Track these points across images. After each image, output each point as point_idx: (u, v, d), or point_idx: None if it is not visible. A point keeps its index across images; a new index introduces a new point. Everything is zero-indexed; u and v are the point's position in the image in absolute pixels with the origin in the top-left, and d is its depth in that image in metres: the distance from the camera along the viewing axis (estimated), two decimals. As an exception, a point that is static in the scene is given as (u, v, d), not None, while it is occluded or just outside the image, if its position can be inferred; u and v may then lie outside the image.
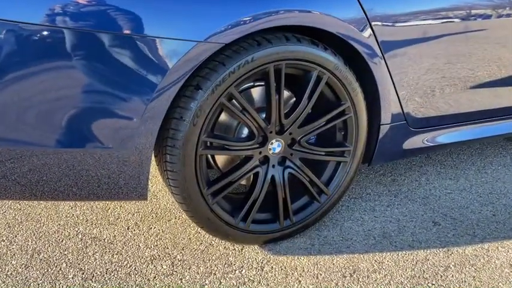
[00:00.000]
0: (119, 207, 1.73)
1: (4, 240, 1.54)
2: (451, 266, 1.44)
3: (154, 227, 1.61)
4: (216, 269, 1.41)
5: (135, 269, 1.41)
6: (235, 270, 1.40)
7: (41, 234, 1.57)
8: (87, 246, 1.51)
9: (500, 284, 1.37)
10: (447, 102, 1.67)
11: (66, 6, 1.05)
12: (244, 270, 1.40)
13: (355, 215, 1.70)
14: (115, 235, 1.57)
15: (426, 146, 1.69)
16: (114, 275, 1.38)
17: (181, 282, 1.35)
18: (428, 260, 1.47)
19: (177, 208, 1.72)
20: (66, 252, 1.48)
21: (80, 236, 1.56)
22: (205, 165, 1.34)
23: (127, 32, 1.08)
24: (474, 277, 1.39)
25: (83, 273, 1.38)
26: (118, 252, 1.48)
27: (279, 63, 1.28)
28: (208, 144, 1.30)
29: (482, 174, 2.05)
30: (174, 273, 1.39)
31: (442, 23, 1.53)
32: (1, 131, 1.08)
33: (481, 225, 1.66)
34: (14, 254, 1.47)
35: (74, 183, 1.21)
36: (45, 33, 1.04)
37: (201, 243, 1.52)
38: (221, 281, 1.36)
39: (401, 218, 1.69)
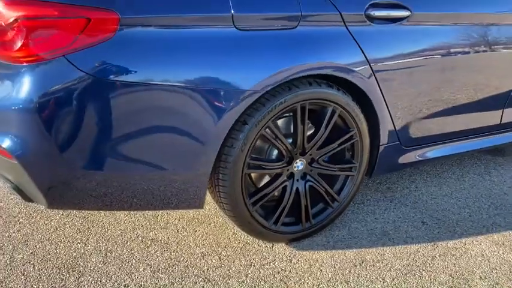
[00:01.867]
0: (166, 214, 2.10)
1: (79, 243, 1.90)
2: (436, 256, 1.85)
3: (199, 230, 1.99)
4: (254, 262, 1.79)
5: (190, 263, 1.78)
6: (270, 263, 1.79)
7: (108, 238, 1.93)
8: (148, 246, 1.88)
9: (474, 269, 1.78)
10: (432, 125, 2.08)
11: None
12: (276, 262, 1.79)
13: (359, 217, 2.10)
14: (168, 237, 1.94)
15: (417, 160, 2.11)
16: (175, 268, 1.75)
17: (229, 272, 1.73)
18: (419, 251, 1.87)
19: (214, 214, 2.09)
20: (132, 251, 1.85)
21: (140, 238, 1.93)
22: (248, 181, 1.73)
23: (199, 85, 1.47)
24: (454, 264, 1.80)
25: (150, 268, 1.75)
26: (174, 250, 1.86)
27: (304, 102, 1.68)
28: (251, 165, 1.69)
29: (461, 182, 2.47)
30: (222, 265, 1.77)
31: (428, 58, 1.92)
32: (112, 163, 1.46)
33: (459, 224, 2.08)
34: (91, 254, 1.83)
35: (152, 197, 1.59)
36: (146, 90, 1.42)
37: (239, 242, 1.91)
38: (260, 271, 1.74)
39: (396, 219, 2.10)
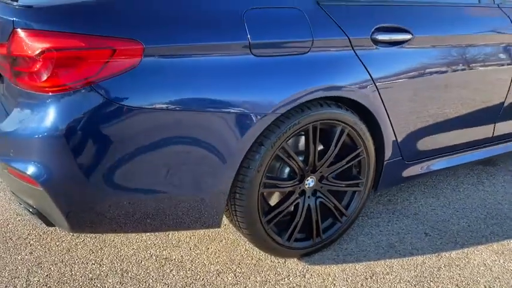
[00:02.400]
0: (176, 233, 2.14)
1: (94, 264, 1.92)
2: (442, 266, 1.93)
3: (211, 247, 2.03)
4: (269, 278, 1.84)
5: (207, 281, 1.82)
6: (285, 278, 1.84)
7: (122, 258, 1.96)
8: (163, 265, 1.91)
9: (478, 278, 1.87)
10: (432, 140, 2.18)
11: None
12: (291, 278, 1.84)
13: (365, 230, 2.17)
14: (182, 255, 1.98)
15: (420, 173, 2.20)
16: (192, 287, 1.79)
17: (262, 286, 1.78)
18: (425, 263, 1.95)
19: (224, 231, 2.14)
20: (148, 271, 1.88)
21: (154, 258, 1.96)
22: (263, 200, 1.79)
23: (219, 110, 1.52)
24: (459, 274, 1.89)
25: (168, 287, 1.79)
26: (189, 268, 1.89)
27: (316, 123, 1.75)
28: (266, 184, 1.74)
29: (457, 192, 2.58)
30: (238, 283, 1.81)
31: (427, 77, 2.01)
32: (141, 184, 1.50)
33: (460, 234, 2.17)
34: (107, 274, 1.85)
35: (173, 218, 1.63)
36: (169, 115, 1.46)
37: (252, 258, 1.95)
38: (276, 286, 1.79)
39: (400, 231, 2.18)
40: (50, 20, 1.37)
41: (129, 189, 1.54)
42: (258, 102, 1.59)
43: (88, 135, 1.41)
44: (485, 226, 2.25)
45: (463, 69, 2.15)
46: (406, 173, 2.16)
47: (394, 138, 2.02)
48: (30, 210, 1.60)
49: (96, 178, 1.46)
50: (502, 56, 2.29)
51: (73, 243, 2.05)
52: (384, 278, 1.85)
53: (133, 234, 2.11)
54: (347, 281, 1.83)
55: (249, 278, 1.84)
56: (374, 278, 1.85)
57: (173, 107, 1.47)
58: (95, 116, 1.40)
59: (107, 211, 1.53)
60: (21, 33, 1.37)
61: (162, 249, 2.02)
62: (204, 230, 2.14)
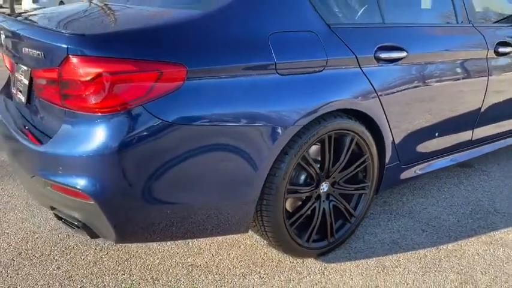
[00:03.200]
0: (196, 241, 2.26)
1: (124, 274, 2.01)
2: (442, 258, 2.16)
3: (232, 253, 2.17)
4: (292, 277, 2.00)
5: (235, 283, 1.96)
6: (306, 276, 2.01)
7: (149, 267, 2.06)
8: (190, 272, 2.03)
9: (475, 266, 2.11)
10: (424, 145, 2.43)
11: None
12: (312, 276, 2.01)
13: (369, 230, 2.38)
14: (206, 261, 2.10)
15: (416, 175, 2.45)
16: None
17: (287, 285, 1.93)
18: (427, 255, 2.17)
19: (241, 237, 2.28)
20: (178, 277, 1.99)
21: (180, 265, 2.08)
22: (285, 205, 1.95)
23: (252, 124, 1.68)
24: (458, 263, 2.12)
25: (200, 290, 1.91)
26: (216, 273, 2.02)
27: (330, 133, 1.94)
28: (289, 190, 1.91)
29: (442, 192, 2.84)
30: (265, 283, 1.96)
31: (420, 89, 2.26)
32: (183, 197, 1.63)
33: (452, 228, 2.42)
34: (139, 283, 1.95)
35: (209, 225, 1.77)
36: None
37: (272, 261, 2.11)
38: (300, 285, 1.95)
39: (400, 229, 2.40)
40: (102, 46, 1.50)
41: (173, 200, 1.67)
42: (283, 116, 1.77)
43: (137, 152, 1.54)
44: (472, 221, 2.51)
45: (447, 82, 2.41)
46: (403, 175, 2.39)
47: (393, 145, 2.25)
48: (75, 223, 1.69)
49: (145, 191, 1.58)
50: (477, 68, 2.58)
51: (98, 256, 2.13)
52: (393, 271, 2.05)
53: (155, 245, 2.21)
54: (362, 275, 2.02)
55: (273, 278, 1.99)
56: (385, 271, 2.05)
57: (212, 123, 1.62)
58: (143, 133, 1.53)
59: (152, 221, 1.65)
60: (75, 59, 1.48)
61: (186, 257, 2.13)
62: (221, 238, 2.28)
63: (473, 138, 2.78)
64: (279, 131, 1.75)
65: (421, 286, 1.96)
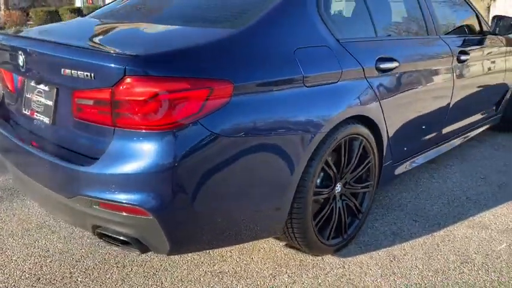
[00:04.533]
0: (217, 249, 2.33)
1: (158, 286, 2.04)
2: (439, 243, 2.43)
3: (254, 257, 2.27)
4: (317, 273, 2.15)
5: (267, 284, 2.07)
6: (330, 271, 2.17)
7: (179, 278, 2.10)
8: (221, 279, 2.11)
9: (467, 247, 2.40)
10: (411, 143, 2.71)
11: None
12: (335, 270, 2.18)
13: (369, 225, 2.60)
14: (233, 267, 2.19)
15: (406, 170, 2.72)
16: (260, 291, 2.03)
17: (304, 285, 2.07)
18: (426, 242, 2.44)
19: (257, 242, 2.39)
20: (211, 285, 2.06)
21: (209, 274, 2.14)
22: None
23: (289, 133, 1.82)
24: (453, 246, 2.40)
25: (238, 294, 2.00)
26: (246, 277, 2.12)
27: (346, 137, 2.13)
28: (315, 192, 2.07)
29: (419, 186, 3.16)
30: (296, 281, 2.09)
31: (409, 94, 2.54)
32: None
33: (438, 217, 2.72)
34: (177, 294, 2.00)
35: (251, 230, 1.87)
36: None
37: (294, 260, 2.25)
38: (327, 279, 2.11)
39: (395, 221, 2.65)
40: (159, 66, 1.56)
41: (224, 208, 1.76)
42: (312, 125, 1.93)
43: (193, 165, 1.61)
44: (452, 208, 2.83)
45: (427, 87, 2.72)
46: (397, 171, 2.66)
47: (389, 145, 2.49)
48: (126, 239, 1.71)
49: (200, 202, 1.66)
50: (446, 74, 2.92)
51: (123, 273, 2.13)
52: (403, 258, 2.28)
53: (178, 257, 2.25)
54: (378, 265, 2.23)
55: (301, 276, 2.13)
56: (396, 259, 2.28)
57: (255, 133, 1.75)
58: (198, 147, 1.61)
59: (205, 230, 1.73)
60: (133, 79, 1.53)
61: (211, 265, 2.20)
62: (239, 245, 2.37)
63: (443, 135, 3.13)
64: (309, 138, 1.91)
65: (431, 269, 2.20)
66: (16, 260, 2.25)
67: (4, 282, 2.08)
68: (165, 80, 1.56)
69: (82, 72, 1.62)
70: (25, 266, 2.20)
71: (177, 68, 1.59)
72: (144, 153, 1.58)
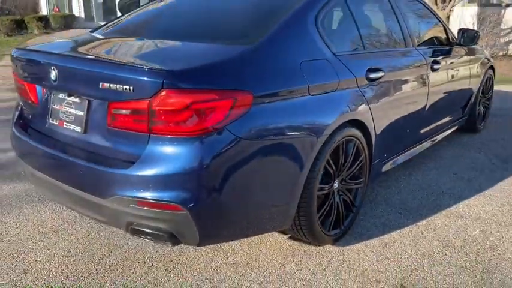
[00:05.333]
0: (227, 244, 2.55)
1: (179, 279, 2.24)
2: (423, 231, 2.75)
3: (262, 249, 2.51)
4: (321, 260, 2.42)
5: (277, 271, 2.31)
6: (332, 258, 2.44)
7: (198, 270, 2.32)
8: (236, 269, 2.34)
9: (447, 233, 2.72)
10: (394, 144, 3.03)
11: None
12: (336, 257, 2.45)
13: (360, 218, 2.89)
14: (245, 259, 2.42)
15: (391, 167, 3.03)
16: (272, 278, 2.26)
17: (311, 271, 2.32)
18: (412, 231, 2.75)
19: (264, 236, 2.63)
20: (228, 274, 2.28)
21: (224, 265, 2.37)
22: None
23: (299, 136, 2.08)
24: (435, 233, 2.72)
25: (253, 282, 2.23)
26: (258, 266, 2.36)
27: (343, 139, 2.41)
28: (319, 188, 2.33)
29: (400, 182, 3.49)
30: (303, 268, 2.35)
31: (392, 100, 2.85)
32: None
33: (419, 209, 3.04)
34: (198, 284, 2.21)
35: (266, 223, 2.11)
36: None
37: (299, 250, 2.50)
38: (331, 265, 2.38)
39: (383, 214, 2.95)
40: (192, 79, 1.79)
41: (247, 203, 2.00)
42: (317, 128, 2.20)
43: (222, 165, 1.85)
44: (431, 201, 3.17)
45: (406, 93, 3.06)
46: (384, 168, 2.97)
47: (376, 145, 2.80)
48: (159, 234, 1.92)
49: (227, 197, 1.89)
50: (421, 81, 3.27)
51: (145, 268, 2.33)
52: (393, 245, 2.58)
53: (192, 252, 2.47)
54: (372, 251, 2.51)
55: (307, 264, 2.39)
56: (388, 246, 2.57)
57: (272, 135, 2.00)
58: (226, 149, 1.85)
59: (230, 223, 1.97)
60: (170, 91, 1.75)
61: (225, 257, 2.43)
62: (246, 239, 2.61)
63: (421, 135, 3.48)
64: (315, 140, 2.18)
65: (418, 253, 2.51)
66: (41, 261, 2.40)
67: (34, 281, 2.24)
68: (197, 92, 1.79)
69: (121, 86, 1.82)
70: (51, 266, 2.36)
71: (206, 81, 1.82)
72: (178, 156, 1.81)
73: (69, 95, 2.11)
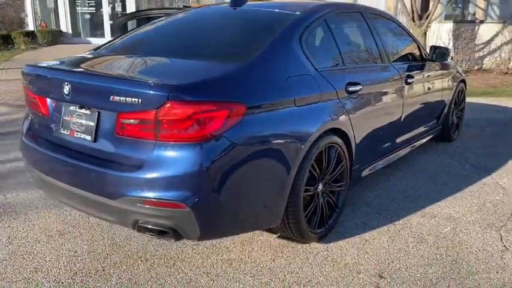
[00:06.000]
0: (222, 242, 2.79)
1: (179, 273, 2.47)
2: (400, 229, 3.02)
3: (254, 247, 2.76)
4: (308, 255, 2.67)
5: (269, 265, 2.55)
6: (317, 254, 2.69)
7: (196, 266, 2.54)
8: (231, 263, 2.57)
9: (422, 231, 3.00)
10: (373, 151, 3.32)
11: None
12: (321, 253, 2.70)
13: (342, 218, 3.15)
14: (238, 256, 2.66)
15: (370, 173, 3.32)
16: (262, 272, 2.50)
17: (298, 264, 2.57)
18: (389, 230, 3.02)
19: (254, 235, 2.87)
20: (224, 268, 2.52)
21: (220, 261, 2.60)
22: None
23: (287, 142, 2.35)
24: (411, 231, 3.00)
25: (247, 275, 2.47)
26: (251, 262, 2.59)
27: (326, 145, 2.68)
28: (305, 189, 2.59)
29: (380, 186, 3.77)
30: (291, 262, 2.59)
31: (370, 111, 3.15)
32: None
33: (397, 210, 3.32)
34: (197, 278, 2.43)
35: (259, 221, 2.37)
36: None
37: (287, 247, 2.75)
38: (316, 259, 2.63)
39: (363, 215, 3.22)
40: (194, 93, 2.06)
41: (242, 201, 2.26)
42: (302, 135, 2.47)
43: (220, 166, 2.11)
44: (407, 203, 3.45)
45: (383, 104, 3.36)
46: (364, 173, 3.25)
47: (357, 152, 3.08)
48: (163, 230, 2.15)
49: (225, 196, 2.14)
50: (396, 93, 3.58)
51: (147, 264, 2.55)
52: (373, 242, 2.85)
53: (190, 251, 2.70)
54: (354, 247, 2.78)
55: (295, 258, 2.64)
56: (367, 243, 2.84)
57: (263, 141, 2.27)
58: (223, 153, 2.11)
59: (228, 220, 2.21)
60: (174, 103, 2.01)
61: (220, 255, 2.67)
62: (239, 238, 2.85)
63: (397, 143, 3.78)
64: (301, 146, 2.45)
65: (394, 248, 2.78)
66: (50, 261, 2.60)
67: (46, 278, 2.44)
68: (198, 103, 2.05)
69: (130, 98, 2.07)
70: (60, 265, 2.56)
71: (205, 94, 2.08)
72: (181, 160, 2.05)
73: (81, 107, 2.34)
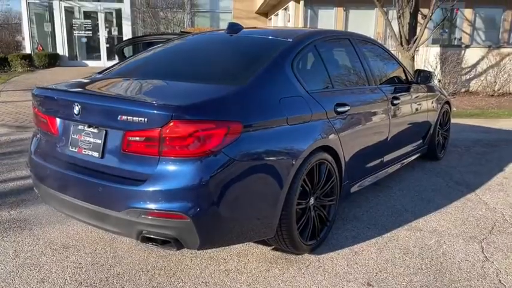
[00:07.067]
0: (215, 253, 2.94)
1: (179, 283, 2.61)
2: (387, 241, 3.19)
3: (249, 258, 2.91)
4: (301, 266, 2.82)
5: (264, 275, 2.70)
6: (309, 264, 2.85)
7: (195, 276, 2.69)
8: (228, 274, 2.72)
9: (408, 243, 3.17)
10: (361, 168, 3.51)
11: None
12: (313, 263, 2.86)
13: (333, 231, 3.32)
14: (235, 266, 2.81)
15: (359, 189, 3.50)
16: (258, 280, 2.65)
17: (292, 274, 2.73)
18: (378, 242, 3.19)
19: (249, 247, 3.03)
20: (221, 278, 2.66)
21: (217, 271, 2.75)
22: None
23: (279, 159, 2.54)
24: (398, 243, 3.17)
25: (245, 284, 2.61)
26: (247, 272, 2.75)
27: (316, 162, 2.88)
28: (297, 203, 2.77)
29: (369, 202, 3.96)
30: (285, 272, 2.75)
31: (358, 130, 3.36)
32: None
33: (385, 224, 3.50)
34: (196, 287, 2.58)
35: (256, 231, 2.53)
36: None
37: (281, 259, 2.91)
38: (309, 269, 2.79)
39: (353, 229, 3.40)
40: (195, 112, 2.25)
41: (240, 213, 2.43)
42: (295, 152, 2.66)
43: (219, 180, 2.28)
44: (395, 218, 3.63)
45: (370, 124, 3.58)
46: (352, 190, 3.44)
47: (345, 169, 3.28)
48: (166, 239, 2.31)
49: (224, 208, 2.31)
50: (382, 114, 3.81)
51: (149, 275, 2.69)
52: (362, 253, 3.02)
53: (189, 262, 2.85)
54: (344, 258, 2.94)
55: (289, 269, 2.79)
56: (357, 254, 3.00)
57: (258, 157, 2.46)
58: (222, 168, 2.29)
59: (226, 230, 2.38)
60: (177, 122, 2.20)
61: (218, 265, 2.82)
62: (235, 250, 3.00)
63: (385, 162, 3.98)
64: (293, 162, 2.64)
65: (382, 259, 2.95)
66: (56, 272, 2.74)
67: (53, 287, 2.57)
68: (198, 122, 2.24)
69: (136, 118, 2.26)
70: (65, 275, 2.70)
71: (205, 114, 2.28)
72: (183, 174, 2.23)
73: (89, 126, 2.53)
